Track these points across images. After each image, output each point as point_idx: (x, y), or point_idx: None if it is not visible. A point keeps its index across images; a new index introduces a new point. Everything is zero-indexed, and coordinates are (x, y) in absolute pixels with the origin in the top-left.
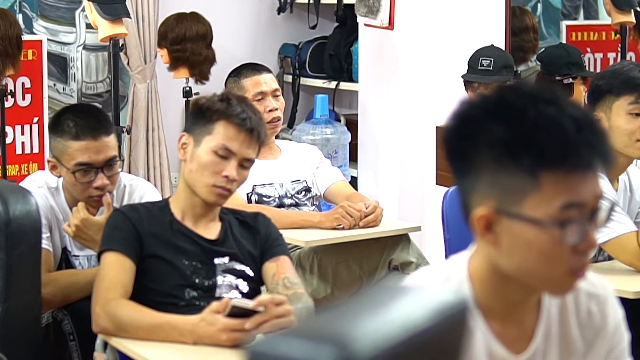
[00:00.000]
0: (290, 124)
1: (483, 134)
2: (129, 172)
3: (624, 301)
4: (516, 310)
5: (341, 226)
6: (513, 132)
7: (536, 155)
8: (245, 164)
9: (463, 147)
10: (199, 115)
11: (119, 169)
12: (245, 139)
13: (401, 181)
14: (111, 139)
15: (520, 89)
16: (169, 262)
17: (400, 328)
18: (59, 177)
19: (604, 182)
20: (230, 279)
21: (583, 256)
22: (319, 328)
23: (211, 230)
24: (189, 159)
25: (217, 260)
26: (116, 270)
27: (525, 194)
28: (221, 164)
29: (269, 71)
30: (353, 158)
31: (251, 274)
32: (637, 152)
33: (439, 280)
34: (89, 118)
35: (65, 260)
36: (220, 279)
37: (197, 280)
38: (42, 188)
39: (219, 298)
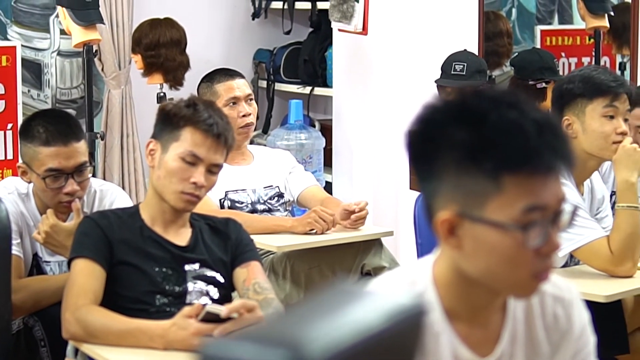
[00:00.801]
0: (265, 129)
1: (445, 138)
2: (104, 178)
3: (591, 304)
4: (482, 313)
5: (314, 231)
6: (475, 136)
7: (498, 159)
8: (213, 169)
9: (426, 151)
10: (166, 121)
11: (89, 175)
12: (212, 144)
13: (375, 186)
14: (81, 145)
15: (482, 94)
16: (139, 269)
17: (353, 331)
18: (30, 183)
19: (568, 189)
20: (200, 285)
21: (546, 259)
22: (272, 331)
23: (182, 236)
24: (157, 165)
25: (187, 267)
26: (86, 277)
27: (487, 198)
28: (189, 170)
29: (242, 76)
30: (328, 163)
31: (222, 280)
32: (613, 155)
33: (403, 285)
34: (59, 124)
35: (36, 266)
36: (190, 286)
37: (167, 287)
38: (13, 194)
39: (190, 304)
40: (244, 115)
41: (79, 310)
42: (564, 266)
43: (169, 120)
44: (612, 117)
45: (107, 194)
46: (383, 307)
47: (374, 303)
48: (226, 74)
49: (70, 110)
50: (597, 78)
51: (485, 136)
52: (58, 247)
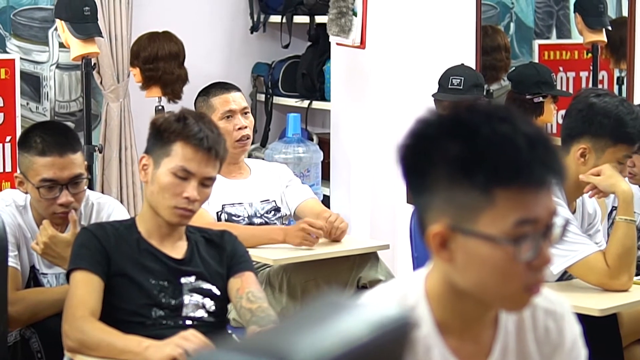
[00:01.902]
0: (263, 143)
1: (438, 151)
2: (102, 191)
3: (582, 317)
4: (473, 326)
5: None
6: (467, 150)
7: (490, 173)
8: (206, 182)
9: (418, 165)
10: (157, 136)
11: (85, 187)
12: (203, 158)
13: (373, 199)
14: (77, 157)
15: (474, 108)
16: (136, 281)
17: (340, 342)
18: (26, 193)
19: (559, 206)
20: (197, 298)
21: (538, 272)
22: (259, 342)
23: (178, 249)
24: (150, 180)
25: (183, 280)
26: (85, 289)
27: (479, 211)
28: (181, 185)
29: (238, 90)
30: (325, 177)
31: (218, 292)
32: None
33: (395, 298)
34: (56, 135)
35: (33, 279)
36: (187, 298)
37: (163, 300)
38: (10, 206)
39: (186, 317)
40: (239, 128)
41: (77, 321)
42: (558, 280)
43: (160, 135)
44: (622, 163)
45: (105, 207)
46: (369, 319)
47: (360, 314)
48: (222, 87)
49: (69, 123)
50: (631, 127)
51: (477, 150)
52: (56, 258)
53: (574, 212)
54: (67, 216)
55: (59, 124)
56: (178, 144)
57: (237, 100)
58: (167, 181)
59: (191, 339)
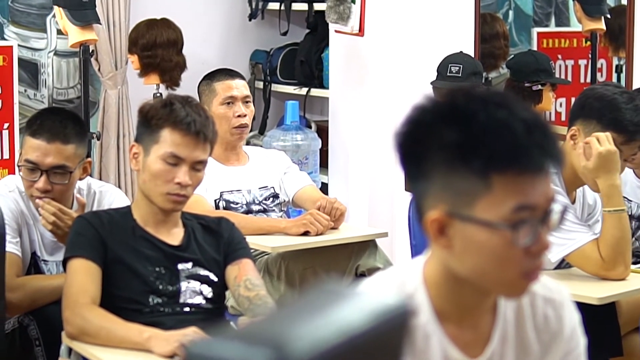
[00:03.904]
0: (261, 130)
1: (435, 137)
2: (100, 178)
3: (584, 306)
4: (472, 313)
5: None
6: (464, 136)
7: (487, 158)
8: (197, 166)
9: (416, 152)
10: (145, 123)
11: (67, 181)
12: (191, 142)
13: (371, 187)
14: (67, 148)
15: (471, 93)
16: (132, 268)
17: (338, 331)
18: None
19: (557, 194)
20: (194, 284)
21: (536, 258)
22: (256, 331)
23: (174, 236)
24: (142, 168)
25: (180, 266)
26: (84, 276)
27: (477, 197)
28: (172, 171)
29: (243, 78)
30: (323, 164)
31: (215, 279)
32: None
33: (393, 286)
34: (56, 121)
35: (34, 265)
36: (184, 285)
37: (160, 286)
38: (14, 192)
39: (184, 304)
40: (239, 116)
41: (79, 308)
42: (557, 268)
43: (148, 123)
44: None
45: (106, 195)
46: (368, 307)
47: (359, 303)
48: (227, 73)
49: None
50: (623, 115)
51: (474, 136)
52: (66, 235)
53: (573, 202)
54: (42, 201)
55: (68, 113)
56: (166, 130)
57: (240, 87)
58: (157, 168)
59: (193, 336)
